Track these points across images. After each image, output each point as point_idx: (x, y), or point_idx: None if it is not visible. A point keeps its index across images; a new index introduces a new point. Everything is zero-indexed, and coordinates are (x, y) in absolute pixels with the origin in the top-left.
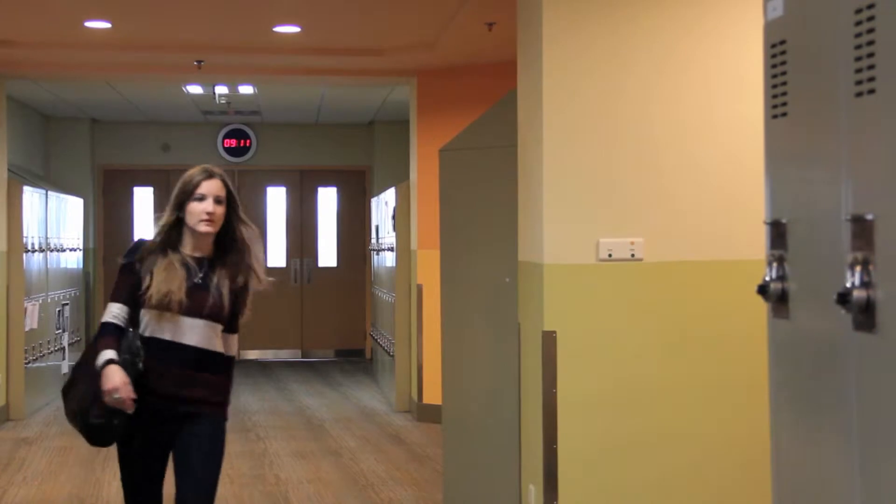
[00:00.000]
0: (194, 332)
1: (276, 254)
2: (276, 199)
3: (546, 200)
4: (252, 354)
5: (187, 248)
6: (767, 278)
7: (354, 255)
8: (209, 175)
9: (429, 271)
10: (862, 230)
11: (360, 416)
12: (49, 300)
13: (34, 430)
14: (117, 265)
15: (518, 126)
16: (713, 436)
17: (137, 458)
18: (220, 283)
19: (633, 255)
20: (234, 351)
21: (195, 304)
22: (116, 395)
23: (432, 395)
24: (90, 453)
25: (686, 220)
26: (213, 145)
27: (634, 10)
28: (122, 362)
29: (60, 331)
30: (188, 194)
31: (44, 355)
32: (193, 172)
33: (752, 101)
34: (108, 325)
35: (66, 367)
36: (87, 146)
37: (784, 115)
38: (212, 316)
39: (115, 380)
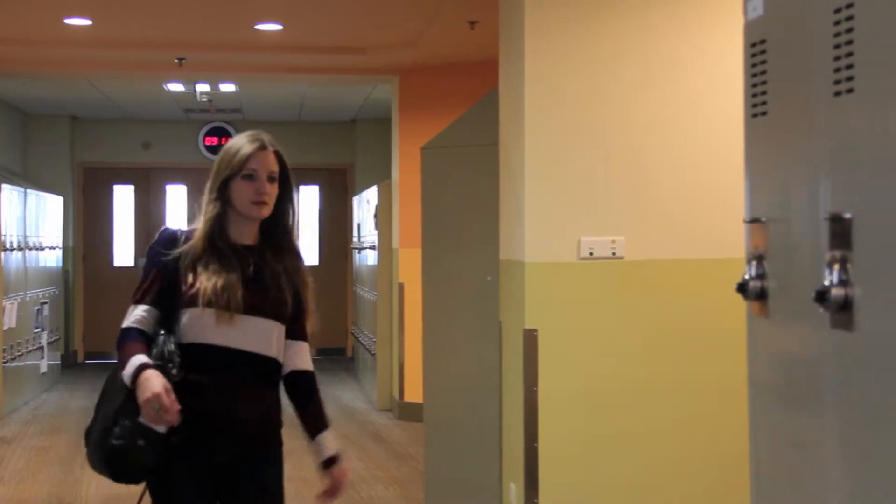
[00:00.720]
0: (255, 335)
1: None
2: None
3: (527, 199)
4: None
5: (232, 234)
6: (747, 276)
7: (336, 254)
8: (261, 146)
9: (410, 270)
10: (840, 229)
11: (341, 414)
12: (28, 299)
13: (12, 429)
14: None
15: (500, 124)
16: (693, 433)
17: (175, 501)
18: (276, 275)
19: (614, 254)
20: (309, 364)
21: (256, 300)
22: (157, 406)
23: (414, 393)
24: (69, 453)
25: (667, 218)
26: (194, 143)
27: (616, 9)
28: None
29: (39, 329)
30: (235, 170)
31: (22, 354)
32: (240, 142)
33: (732, 101)
34: (129, 331)
35: (44, 366)
36: (67, 144)
37: (764, 114)
38: (275, 313)
39: (154, 385)
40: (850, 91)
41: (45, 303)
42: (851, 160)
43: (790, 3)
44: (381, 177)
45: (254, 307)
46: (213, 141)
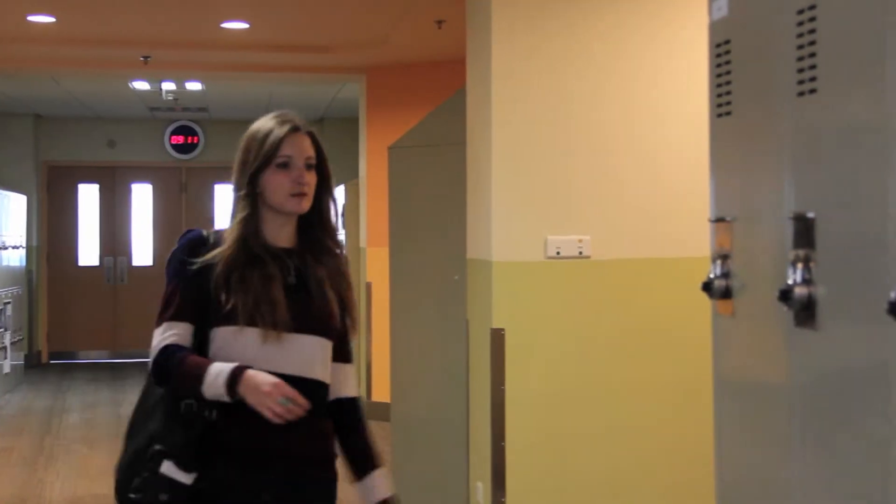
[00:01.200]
0: (301, 355)
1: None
2: (225, 197)
3: (494, 198)
4: None
5: (267, 235)
6: (712, 275)
7: None
8: (293, 127)
9: (378, 269)
10: (804, 228)
11: None
12: None
13: None
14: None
15: (467, 124)
16: (659, 431)
17: None
18: (320, 283)
19: (580, 253)
20: (355, 389)
21: (301, 315)
22: (285, 398)
23: (381, 392)
24: (32, 454)
25: (633, 217)
26: (159, 142)
27: (583, 8)
28: (184, 411)
29: (2, 330)
30: (266, 159)
31: None
32: (267, 125)
33: (698, 100)
34: (170, 347)
35: (7, 366)
36: (31, 142)
37: (728, 114)
38: (323, 328)
39: (268, 378)
40: (812, 91)
41: (9, 302)
42: (815, 160)
43: (754, 4)
44: (348, 176)
45: (300, 323)
46: (180, 139)
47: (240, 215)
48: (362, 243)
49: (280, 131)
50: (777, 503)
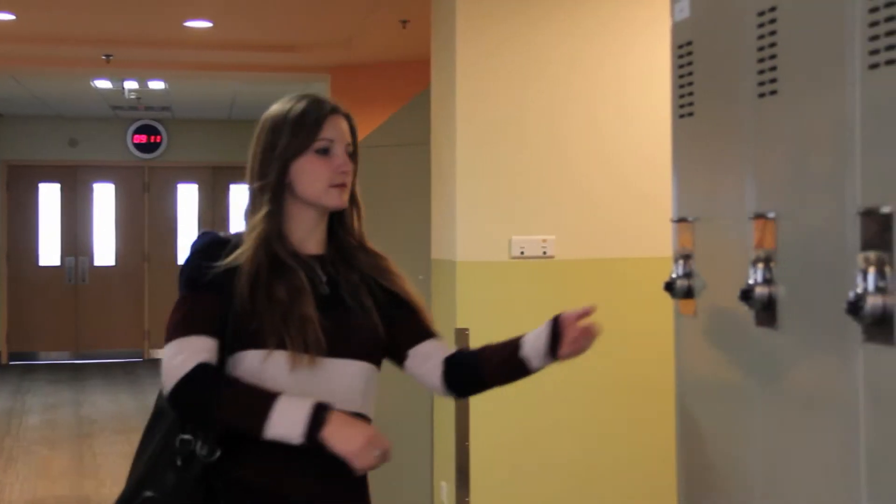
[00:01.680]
0: (339, 386)
1: (187, 251)
2: (188, 197)
3: (459, 198)
4: (161, 353)
5: (293, 239)
6: (674, 275)
7: None
8: (332, 109)
9: None
10: (764, 228)
11: None
12: None
13: None
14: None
15: (431, 124)
16: (623, 429)
17: None
18: (355, 292)
19: (545, 253)
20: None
21: (338, 335)
22: (378, 451)
23: None
24: None
25: (597, 217)
26: (122, 141)
27: (548, 9)
28: (179, 448)
29: None
30: (304, 142)
31: None
32: (299, 106)
33: (661, 101)
34: (210, 369)
35: None
36: None
37: (690, 114)
38: (366, 350)
39: (361, 427)
40: (773, 93)
41: None
42: (775, 160)
43: (716, 5)
44: None
45: (337, 345)
46: (143, 139)
47: (263, 210)
48: None
49: (318, 111)
50: (738, 498)
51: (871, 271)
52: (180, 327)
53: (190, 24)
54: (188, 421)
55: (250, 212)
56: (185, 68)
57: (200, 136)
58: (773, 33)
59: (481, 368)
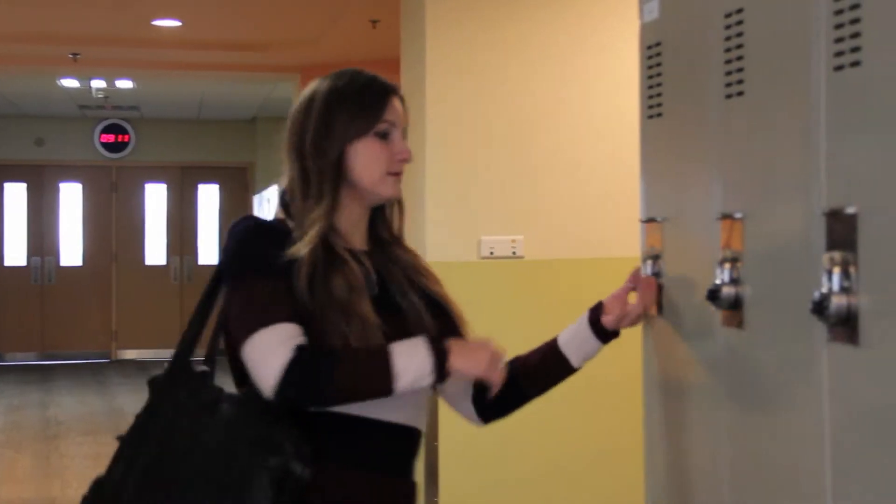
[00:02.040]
0: (409, 396)
1: (156, 252)
2: (156, 197)
3: (428, 198)
4: (129, 354)
5: (341, 229)
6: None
7: None
8: (393, 89)
9: None
10: (730, 228)
11: None
12: None
13: None
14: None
15: None
16: (592, 429)
17: None
18: (404, 291)
19: (514, 253)
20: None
21: (398, 339)
22: (503, 363)
23: None
24: None
25: (565, 218)
26: (89, 140)
27: (517, 9)
28: (273, 466)
29: None
30: (366, 123)
31: None
32: (360, 80)
33: (631, 102)
34: (306, 348)
35: None
36: None
37: (659, 115)
38: None
39: (484, 345)
40: (740, 94)
41: None
42: (742, 161)
43: (684, 7)
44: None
45: None
46: (110, 138)
47: (325, 202)
48: None
49: (383, 90)
50: (705, 497)
51: (836, 271)
52: (266, 315)
53: (158, 22)
54: (302, 405)
55: (302, 197)
56: (154, 67)
57: (169, 135)
58: (739, 34)
59: (517, 378)
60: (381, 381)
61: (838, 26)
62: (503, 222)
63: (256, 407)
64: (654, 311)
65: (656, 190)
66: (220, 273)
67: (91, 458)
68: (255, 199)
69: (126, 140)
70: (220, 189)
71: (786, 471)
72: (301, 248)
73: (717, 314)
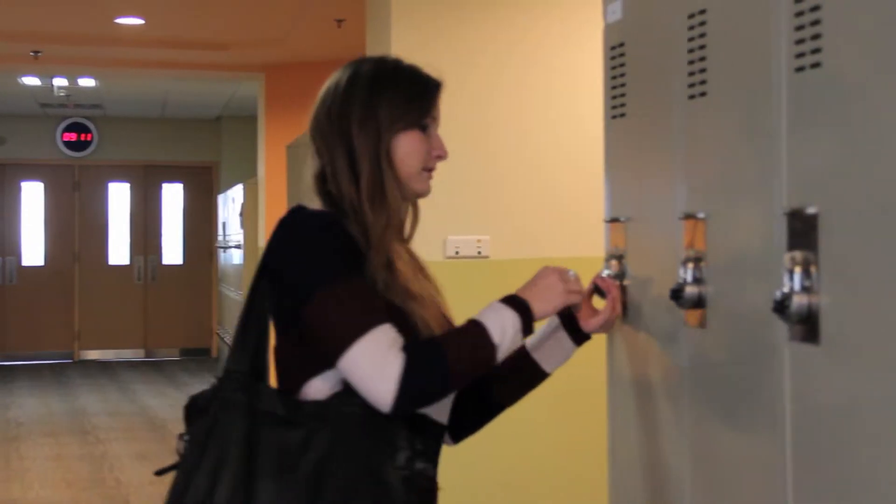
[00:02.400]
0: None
1: (119, 251)
2: (119, 196)
3: None
4: (92, 354)
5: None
6: (605, 275)
7: (201, 253)
8: (440, 84)
9: None
10: (694, 228)
11: None
12: None
13: None
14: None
15: None
16: (554, 428)
17: None
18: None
19: (479, 253)
20: None
21: None
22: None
23: None
24: None
25: (531, 218)
26: (51, 139)
27: (482, 9)
28: (403, 465)
29: None
30: (417, 114)
31: None
32: (407, 69)
33: (593, 102)
34: (412, 346)
35: None
36: None
37: (622, 115)
38: None
39: (550, 274)
40: (703, 94)
41: None
42: (705, 161)
43: (647, 8)
44: (247, 175)
45: None
46: (73, 137)
47: (380, 195)
48: (261, 242)
49: (433, 82)
50: (669, 496)
51: (798, 271)
52: (363, 321)
53: (121, 20)
54: (426, 405)
55: (350, 181)
56: (117, 66)
57: (132, 134)
58: (702, 35)
59: (490, 388)
60: (486, 354)
61: (799, 28)
62: (469, 222)
63: (339, 412)
64: (619, 311)
65: (620, 190)
66: (265, 271)
67: (52, 459)
68: (220, 198)
69: (89, 139)
70: (185, 188)
71: (747, 467)
72: (371, 246)
73: (680, 313)
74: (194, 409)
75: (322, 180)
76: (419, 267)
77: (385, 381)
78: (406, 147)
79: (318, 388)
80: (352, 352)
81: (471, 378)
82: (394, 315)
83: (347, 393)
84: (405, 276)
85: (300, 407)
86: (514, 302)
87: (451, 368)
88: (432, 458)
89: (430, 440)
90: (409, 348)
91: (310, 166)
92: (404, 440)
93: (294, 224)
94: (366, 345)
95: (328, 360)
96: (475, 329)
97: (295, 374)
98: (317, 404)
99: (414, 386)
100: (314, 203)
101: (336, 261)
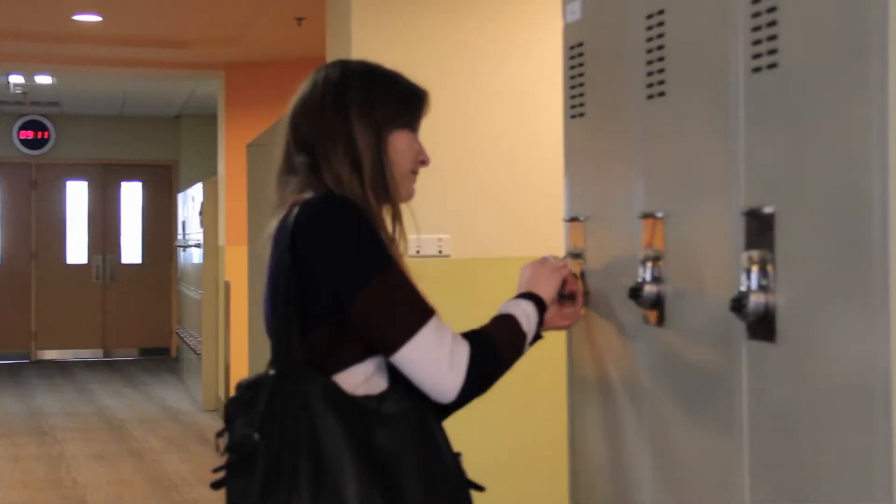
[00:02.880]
0: None
1: (77, 250)
2: (77, 194)
3: None
4: (49, 354)
5: None
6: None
7: (160, 252)
8: (425, 91)
9: (237, 268)
10: (652, 227)
11: (164, 415)
12: None
13: None
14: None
15: None
16: (516, 426)
17: None
18: None
19: (440, 252)
20: None
21: None
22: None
23: None
24: None
25: (492, 217)
26: (7, 137)
27: (445, 8)
28: (450, 459)
29: None
30: (412, 115)
31: None
32: (395, 74)
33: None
34: (468, 336)
35: None
36: None
37: (582, 115)
38: None
39: (546, 268)
40: (661, 94)
41: None
42: (663, 161)
43: (606, 8)
44: (206, 174)
45: None
46: (29, 135)
47: (382, 187)
48: (221, 241)
49: (422, 91)
50: (627, 491)
51: (755, 270)
52: (417, 312)
53: (78, 17)
54: (482, 394)
55: (352, 171)
56: (74, 63)
57: (90, 132)
58: (661, 36)
59: None
60: (521, 342)
61: (756, 29)
62: (430, 221)
63: (394, 406)
64: (582, 310)
65: (579, 189)
66: (295, 259)
67: (9, 460)
68: (180, 197)
69: (46, 136)
70: (144, 187)
71: (706, 463)
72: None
73: (639, 312)
74: (241, 403)
75: (313, 170)
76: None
77: (454, 372)
78: (400, 145)
79: (354, 377)
80: (415, 342)
81: (513, 364)
82: None
83: (400, 386)
84: (407, 268)
85: (383, 400)
86: (525, 295)
87: (502, 357)
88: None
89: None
90: (468, 339)
91: (278, 158)
92: (440, 430)
93: (328, 212)
94: (429, 335)
95: (378, 349)
96: (510, 321)
97: (330, 365)
98: (397, 398)
99: (479, 375)
100: (295, 194)
101: (380, 249)
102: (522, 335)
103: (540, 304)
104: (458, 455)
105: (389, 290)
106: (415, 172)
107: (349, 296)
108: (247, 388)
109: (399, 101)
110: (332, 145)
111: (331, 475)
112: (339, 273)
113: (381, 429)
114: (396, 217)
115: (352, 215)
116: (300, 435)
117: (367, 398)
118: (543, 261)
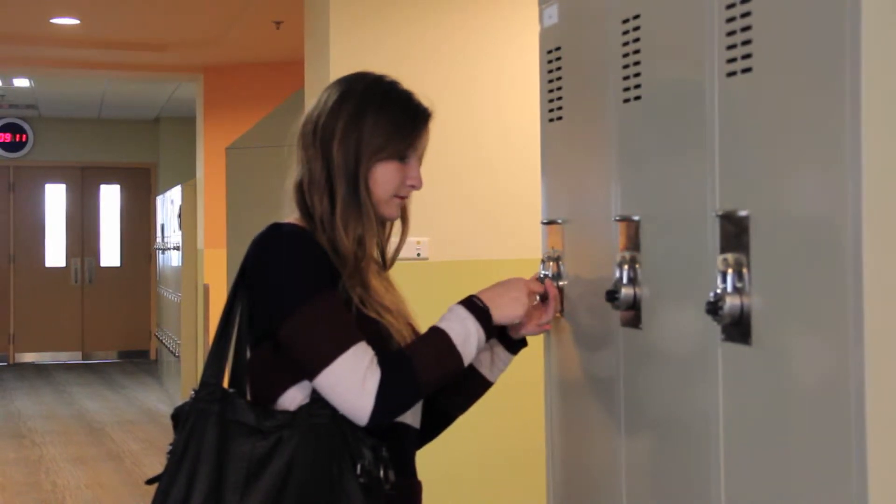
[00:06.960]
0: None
1: (56, 253)
2: (55, 197)
3: None
4: (28, 357)
5: None
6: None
7: (139, 255)
8: (430, 115)
9: (215, 271)
10: (629, 230)
11: (143, 418)
12: None
13: None
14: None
15: None
16: (494, 428)
17: None
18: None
19: (419, 255)
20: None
21: None
22: (540, 295)
23: None
24: None
25: (470, 219)
26: None
27: (422, 11)
28: (363, 472)
29: None
30: (397, 149)
31: None
32: (399, 97)
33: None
34: (383, 362)
35: None
36: None
37: (559, 118)
38: None
39: (513, 285)
40: (637, 98)
41: None
42: (639, 164)
43: (583, 12)
44: (185, 176)
45: None
46: (7, 138)
47: (354, 213)
48: (200, 245)
49: (421, 116)
50: (603, 493)
51: (730, 272)
52: (340, 339)
53: (56, 20)
54: (399, 415)
55: (324, 195)
56: (52, 66)
57: (69, 135)
58: (636, 40)
59: (438, 398)
60: (453, 361)
61: (730, 33)
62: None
63: (307, 422)
64: (557, 314)
65: (557, 192)
66: (239, 287)
67: None
68: (159, 200)
69: (24, 139)
70: (122, 190)
71: (681, 466)
72: (348, 263)
73: (615, 314)
74: (176, 421)
75: (300, 190)
76: (388, 281)
77: (364, 397)
78: (382, 176)
79: (293, 398)
80: (332, 368)
81: (439, 385)
82: (370, 328)
83: (316, 402)
84: (378, 291)
85: (271, 416)
86: (475, 307)
87: (420, 378)
88: (403, 464)
89: (399, 447)
90: (382, 363)
91: (292, 174)
92: (368, 448)
93: (270, 240)
94: (346, 362)
95: (304, 373)
96: (438, 337)
97: (270, 385)
98: (286, 414)
99: (389, 399)
100: (293, 212)
101: (313, 277)
102: (455, 354)
103: (486, 320)
104: (376, 481)
105: (314, 319)
106: (401, 197)
107: (278, 321)
108: (182, 406)
109: (389, 130)
110: (313, 168)
111: (198, 479)
112: (273, 299)
113: (261, 442)
114: (381, 234)
115: (292, 244)
116: (187, 445)
117: (283, 413)
118: (533, 295)
